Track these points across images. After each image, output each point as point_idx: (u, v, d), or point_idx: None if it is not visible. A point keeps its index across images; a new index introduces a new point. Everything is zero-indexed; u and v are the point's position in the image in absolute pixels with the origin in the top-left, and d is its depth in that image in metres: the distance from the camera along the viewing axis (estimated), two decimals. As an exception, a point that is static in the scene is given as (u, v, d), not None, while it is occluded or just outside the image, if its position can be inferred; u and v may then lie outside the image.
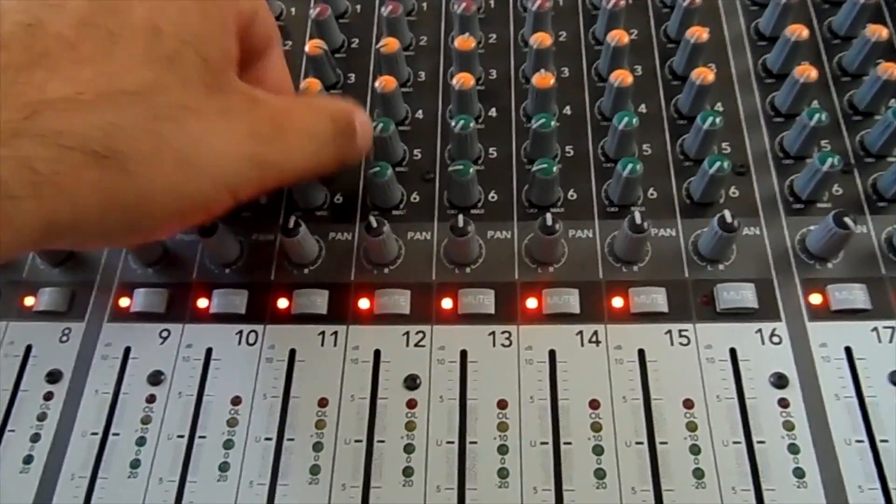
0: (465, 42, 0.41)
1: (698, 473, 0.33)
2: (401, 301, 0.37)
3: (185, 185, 0.28)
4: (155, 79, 0.27)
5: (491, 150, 0.41)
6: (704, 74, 0.39)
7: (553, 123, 0.38)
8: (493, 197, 0.40)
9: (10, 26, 0.25)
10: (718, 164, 0.36)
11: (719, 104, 0.42)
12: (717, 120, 0.38)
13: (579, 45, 0.44)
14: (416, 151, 0.41)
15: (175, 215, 0.29)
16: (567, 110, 0.42)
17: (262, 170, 0.30)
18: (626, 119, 0.38)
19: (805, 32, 0.40)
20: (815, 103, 0.41)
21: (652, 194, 0.39)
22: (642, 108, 0.42)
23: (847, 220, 0.35)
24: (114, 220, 0.27)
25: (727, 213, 0.35)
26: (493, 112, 0.42)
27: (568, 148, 0.41)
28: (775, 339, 0.35)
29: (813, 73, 0.38)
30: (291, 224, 0.36)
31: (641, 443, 0.33)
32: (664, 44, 0.44)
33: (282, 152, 0.31)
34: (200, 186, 0.28)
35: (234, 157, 0.29)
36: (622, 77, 0.39)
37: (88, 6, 0.26)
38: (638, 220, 0.35)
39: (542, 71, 0.40)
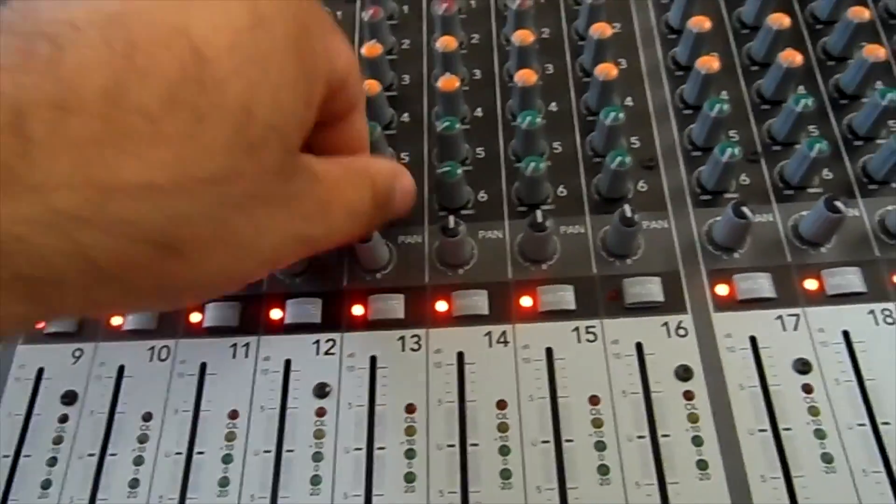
0: (371, 49, 0.41)
1: (603, 470, 0.33)
2: (311, 309, 0.37)
3: (235, 267, 0.27)
4: (233, 167, 0.24)
5: (403, 154, 0.41)
6: (608, 70, 0.39)
7: (458, 126, 0.38)
8: (405, 202, 0.40)
9: (92, 91, 0.21)
10: (619, 158, 0.36)
11: (629, 98, 0.42)
12: (620, 115, 0.38)
13: (491, 46, 0.44)
14: (329, 160, 0.41)
15: (218, 291, 0.29)
16: (479, 112, 0.42)
17: (304, 246, 0.29)
18: (528, 118, 0.38)
19: (707, 24, 0.40)
20: (723, 93, 0.41)
21: (562, 192, 0.39)
22: (553, 107, 0.42)
23: (745, 209, 0.35)
24: (159, 299, 0.27)
25: (627, 208, 0.35)
26: (405, 117, 0.42)
27: (479, 149, 0.41)
28: (681, 332, 0.35)
29: (715, 64, 0.38)
30: (197, 238, 0.36)
31: (547, 441, 0.33)
32: (575, 41, 0.44)
33: (324, 230, 0.30)
34: (248, 266, 0.28)
35: (283, 239, 0.28)
36: (526, 77, 0.39)
37: (179, 74, 0.22)
38: (539, 218, 0.35)
39: (447, 74, 0.40)
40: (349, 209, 0.31)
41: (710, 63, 0.39)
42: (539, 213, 0.35)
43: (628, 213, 0.35)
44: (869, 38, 0.42)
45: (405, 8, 0.46)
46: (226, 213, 0.24)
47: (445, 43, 0.41)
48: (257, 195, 0.25)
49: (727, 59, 0.42)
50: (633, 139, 0.40)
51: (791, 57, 0.38)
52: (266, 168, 0.25)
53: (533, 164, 0.37)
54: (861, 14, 0.40)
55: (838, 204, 0.34)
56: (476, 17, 0.46)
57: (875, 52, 0.38)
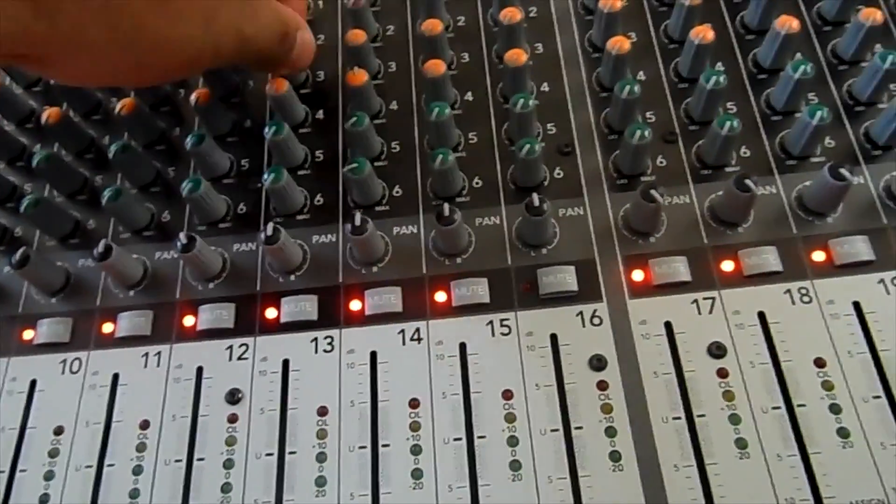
0: (280, 46, 0.40)
1: (515, 465, 0.32)
2: (224, 314, 0.37)
3: (192, 34, 0.31)
4: None
5: (318, 153, 0.41)
6: (517, 56, 0.38)
7: (367, 121, 0.38)
8: (318, 201, 0.39)
9: None
10: (528, 146, 0.36)
11: (545, 84, 0.41)
12: (530, 102, 0.37)
13: (406, 38, 0.43)
14: (243, 161, 0.41)
15: (175, 61, 0.32)
16: (394, 105, 0.41)
17: (239, 41, 0.33)
18: (436, 110, 0.37)
19: (618, 3, 0.39)
20: (640, 74, 0.40)
21: (477, 183, 0.39)
22: (469, 96, 0.41)
23: (654, 192, 0.34)
24: (129, 43, 0.30)
25: (535, 197, 0.34)
26: (320, 114, 0.42)
27: (394, 144, 0.40)
28: (596, 321, 0.35)
29: (625, 45, 0.38)
30: (103, 248, 0.36)
31: (459, 439, 0.33)
32: (491, 28, 0.43)
33: (254, 30, 0.34)
34: (201, 38, 0.32)
35: (227, 26, 0.33)
36: (434, 67, 0.38)
37: None
38: (446, 212, 0.35)
39: (356, 68, 0.39)
40: (273, 18, 0.35)
41: (620, 43, 0.38)
42: (446, 206, 0.35)
43: (535, 202, 0.34)
44: (785, 9, 0.41)
45: (320, 3, 0.45)
46: None
47: (355, 36, 0.40)
48: None
49: (645, 38, 0.41)
50: (549, 125, 0.39)
51: (702, 33, 0.37)
52: None
53: (441, 157, 0.36)
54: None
55: (748, 182, 0.33)
56: (390, 9, 0.45)
57: (788, 22, 0.37)
